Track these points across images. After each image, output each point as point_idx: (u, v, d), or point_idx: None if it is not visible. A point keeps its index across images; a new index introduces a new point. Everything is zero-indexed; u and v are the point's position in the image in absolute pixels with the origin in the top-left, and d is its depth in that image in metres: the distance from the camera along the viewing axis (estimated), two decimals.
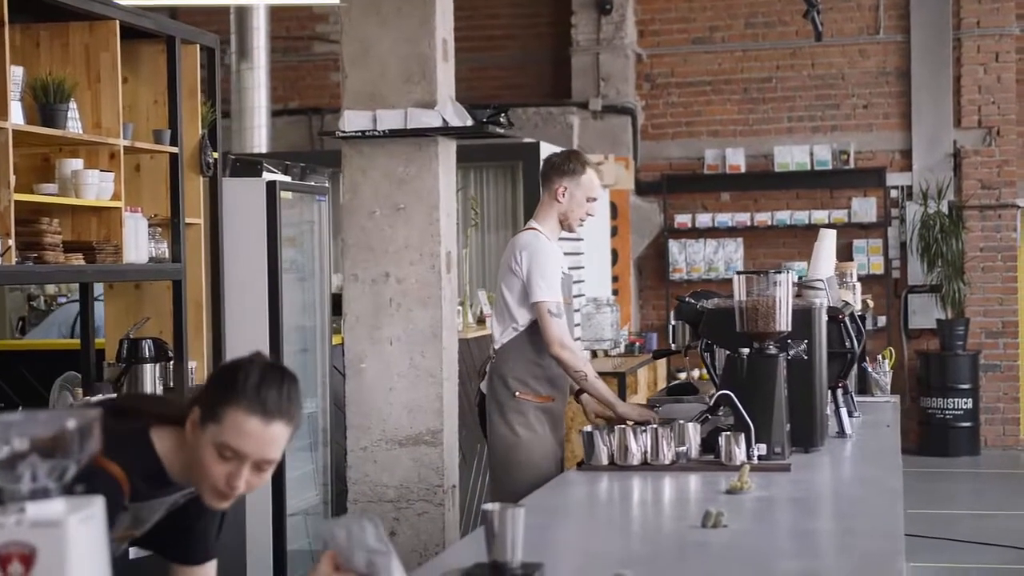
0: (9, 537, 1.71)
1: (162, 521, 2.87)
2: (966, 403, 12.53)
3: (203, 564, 3.00)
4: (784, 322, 4.46)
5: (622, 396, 9.19)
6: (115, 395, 5.22)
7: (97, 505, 1.78)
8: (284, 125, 13.18)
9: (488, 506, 2.76)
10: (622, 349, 10.79)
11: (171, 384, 5.73)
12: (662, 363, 11.40)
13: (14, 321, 9.35)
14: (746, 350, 4.47)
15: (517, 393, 5.37)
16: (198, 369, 6.00)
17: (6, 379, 6.46)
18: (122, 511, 2.72)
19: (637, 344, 11.08)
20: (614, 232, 12.55)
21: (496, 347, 5.49)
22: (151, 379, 5.54)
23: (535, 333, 5.32)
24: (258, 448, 2.63)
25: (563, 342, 5.23)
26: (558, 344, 5.22)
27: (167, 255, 5.73)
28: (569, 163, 5.50)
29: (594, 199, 5.54)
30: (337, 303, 6.44)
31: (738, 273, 4.54)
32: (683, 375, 12.29)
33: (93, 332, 5.87)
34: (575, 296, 10.36)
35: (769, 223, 13.05)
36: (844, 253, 12.59)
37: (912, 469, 11.62)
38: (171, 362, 5.71)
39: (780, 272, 4.48)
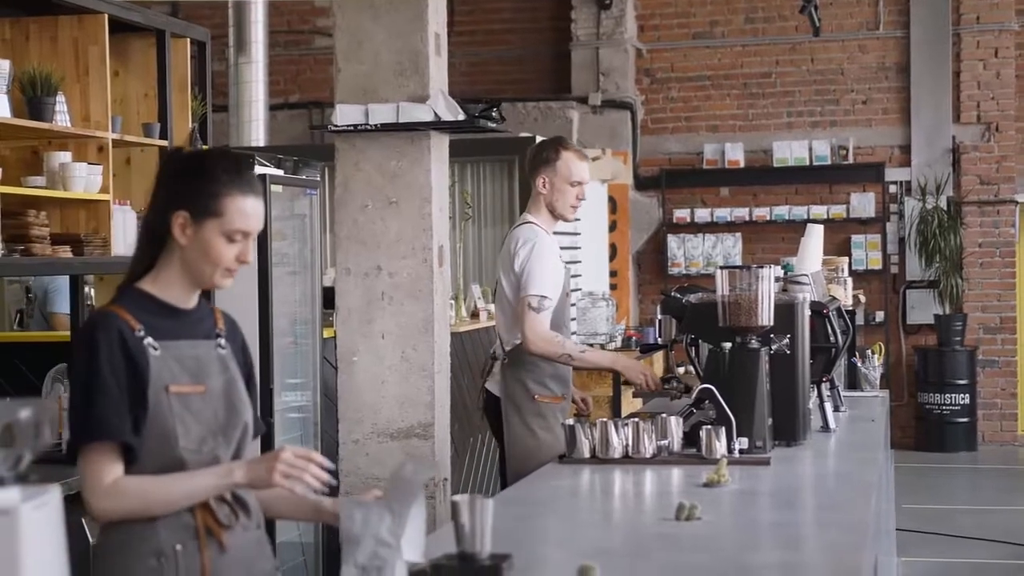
0: None
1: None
2: (963, 398, 12.54)
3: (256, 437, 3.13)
4: (766, 316, 4.47)
5: (616, 390, 9.17)
6: None
7: (52, 494, 1.81)
8: (285, 119, 13.21)
9: (456, 498, 2.78)
10: (619, 343, 10.80)
11: None
12: (660, 357, 11.40)
13: (12, 314, 9.38)
14: (728, 344, 4.48)
15: (536, 396, 5.31)
16: None
17: (1, 371, 6.48)
18: (149, 348, 2.85)
19: (635, 339, 11.08)
20: (613, 227, 12.57)
21: (507, 348, 5.38)
22: None
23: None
24: (258, 221, 2.92)
25: (540, 336, 5.18)
26: (532, 342, 5.19)
27: None
28: (542, 152, 5.44)
29: (578, 183, 5.42)
30: (329, 297, 6.46)
31: (721, 268, 4.55)
32: (681, 370, 12.29)
33: (82, 324, 5.88)
34: (572, 290, 10.42)
35: (768, 218, 13.06)
36: (842, 248, 12.61)
37: (909, 464, 11.65)
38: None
39: (763, 267, 4.49)
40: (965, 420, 12.57)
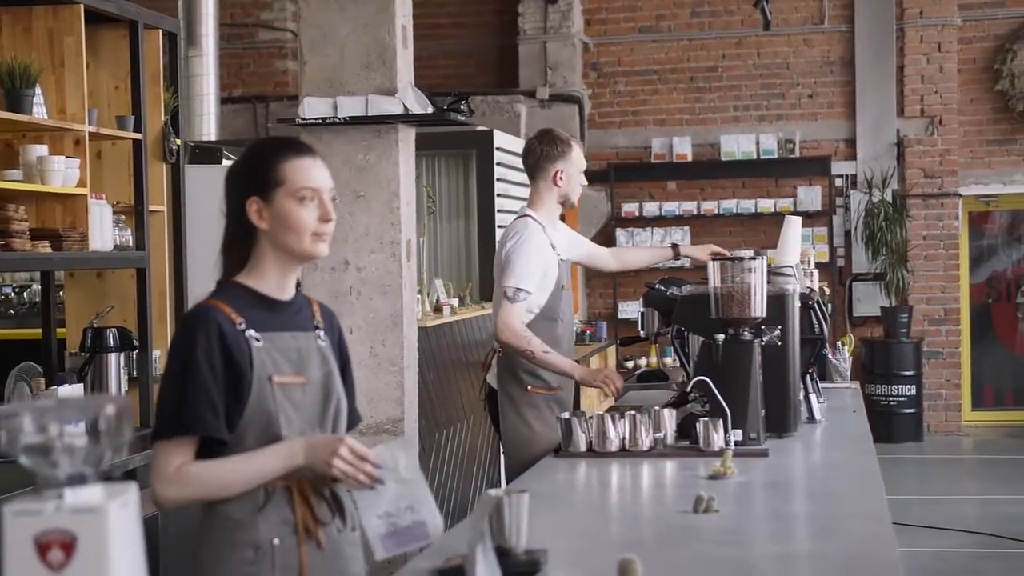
0: (48, 524, 1.68)
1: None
2: (910, 390, 12.67)
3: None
4: (759, 308, 4.47)
5: (576, 388, 9.13)
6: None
7: (132, 491, 1.76)
8: (229, 113, 13.06)
9: (493, 492, 2.75)
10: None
11: (135, 374, 5.66)
12: (611, 351, 11.44)
13: None
14: (721, 336, 4.47)
15: (529, 387, 5.30)
16: (162, 358, 5.93)
17: None
18: (252, 340, 2.88)
19: (588, 332, 11.11)
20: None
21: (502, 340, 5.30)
22: (115, 368, 5.47)
23: (541, 324, 5.26)
24: (322, 177, 2.96)
25: (509, 327, 5.15)
26: (500, 331, 5.18)
27: (131, 243, 5.66)
28: (557, 146, 5.46)
29: (583, 168, 5.57)
30: None
31: (713, 259, 4.54)
32: (630, 364, 12.33)
33: (54, 321, 5.78)
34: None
35: (716, 212, 13.10)
36: None
37: None
38: (136, 351, 5.64)
39: (755, 258, 4.49)
40: (911, 411, 12.70)
